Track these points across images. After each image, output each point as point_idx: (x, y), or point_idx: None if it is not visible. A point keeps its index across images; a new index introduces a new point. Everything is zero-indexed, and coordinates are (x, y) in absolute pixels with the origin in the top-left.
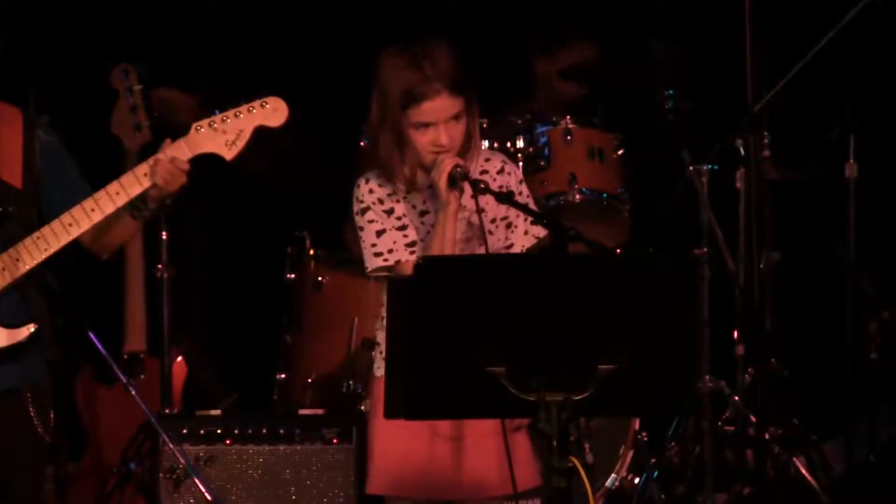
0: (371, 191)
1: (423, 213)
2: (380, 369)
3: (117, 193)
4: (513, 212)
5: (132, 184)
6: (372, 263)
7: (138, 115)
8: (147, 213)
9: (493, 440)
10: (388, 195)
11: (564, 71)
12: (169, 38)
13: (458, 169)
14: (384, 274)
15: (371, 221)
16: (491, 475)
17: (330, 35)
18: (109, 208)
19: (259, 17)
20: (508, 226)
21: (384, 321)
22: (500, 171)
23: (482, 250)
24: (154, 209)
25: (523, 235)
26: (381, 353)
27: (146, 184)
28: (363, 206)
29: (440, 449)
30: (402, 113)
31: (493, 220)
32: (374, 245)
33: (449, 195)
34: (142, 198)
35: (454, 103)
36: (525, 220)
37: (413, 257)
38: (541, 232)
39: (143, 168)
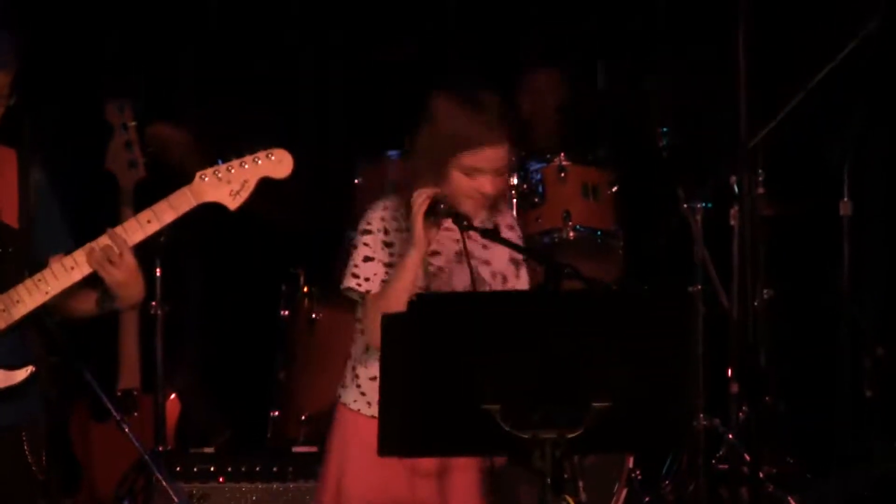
0: (382, 218)
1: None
2: (342, 397)
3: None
4: (510, 269)
5: (135, 230)
6: (347, 283)
7: (133, 151)
8: (106, 307)
9: (458, 475)
10: (396, 230)
11: (560, 107)
12: (164, 72)
13: (442, 206)
14: (352, 297)
15: (365, 245)
16: None
17: (326, 73)
18: None
19: (256, 53)
20: (504, 280)
21: (358, 347)
22: (510, 227)
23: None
24: (108, 308)
25: None
26: (353, 378)
27: (149, 230)
28: (367, 228)
29: (412, 482)
30: (454, 154)
31: (494, 275)
32: (356, 266)
33: (424, 235)
34: (108, 291)
35: (507, 155)
36: (517, 277)
37: None
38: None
39: (147, 215)
